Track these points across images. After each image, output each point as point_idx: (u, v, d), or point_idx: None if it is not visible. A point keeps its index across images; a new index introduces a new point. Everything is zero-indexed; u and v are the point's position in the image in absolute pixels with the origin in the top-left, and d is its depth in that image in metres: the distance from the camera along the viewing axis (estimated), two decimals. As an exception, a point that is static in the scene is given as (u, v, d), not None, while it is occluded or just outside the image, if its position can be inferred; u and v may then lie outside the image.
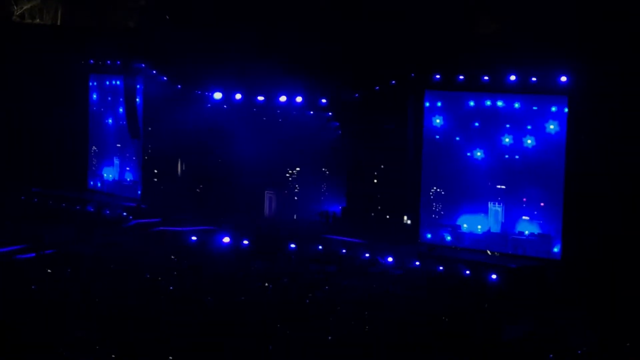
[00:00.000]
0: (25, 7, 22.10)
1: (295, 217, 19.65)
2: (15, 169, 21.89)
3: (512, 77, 16.62)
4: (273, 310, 13.92)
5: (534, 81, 16.45)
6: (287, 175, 20.01)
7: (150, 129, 21.03)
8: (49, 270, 15.82)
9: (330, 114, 19.25)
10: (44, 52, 21.21)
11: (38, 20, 22.47)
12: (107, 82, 22.06)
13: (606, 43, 15.61)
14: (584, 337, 13.15)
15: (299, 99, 19.05)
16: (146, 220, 19.61)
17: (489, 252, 17.19)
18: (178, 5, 20.12)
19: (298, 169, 19.92)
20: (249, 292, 14.98)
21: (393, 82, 17.88)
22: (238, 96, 19.59)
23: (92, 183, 22.63)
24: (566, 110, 16.45)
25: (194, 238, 18.47)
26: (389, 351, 12.52)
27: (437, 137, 17.79)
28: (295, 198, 19.96)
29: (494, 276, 16.01)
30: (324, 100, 18.87)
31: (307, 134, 19.62)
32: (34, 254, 17.15)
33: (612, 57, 15.54)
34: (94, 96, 22.37)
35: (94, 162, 22.57)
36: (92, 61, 21.79)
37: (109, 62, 21.43)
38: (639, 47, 15.36)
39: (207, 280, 15.74)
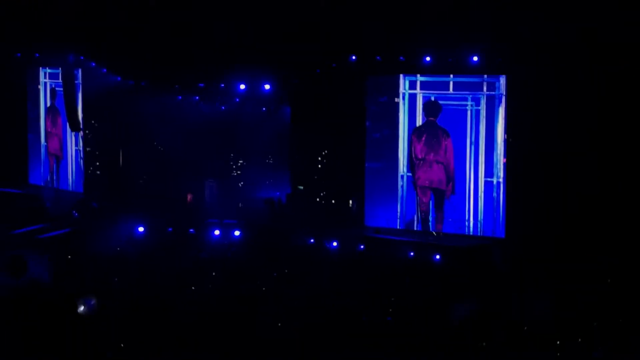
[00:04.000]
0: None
1: (240, 205, 19.52)
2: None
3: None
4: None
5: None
6: (231, 164, 19.90)
7: (92, 121, 20.82)
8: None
9: (273, 100, 19.13)
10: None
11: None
12: (45, 75, 21.85)
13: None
14: (534, 313, 13.31)
15: (242, 87, 18.90)
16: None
17: (434, 233, 17.23)
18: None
19: (241, 158, 19.83)
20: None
21: (334, 65, 17.80)
22: (176, 86, 19.43)
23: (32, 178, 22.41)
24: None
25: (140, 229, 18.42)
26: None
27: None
28: (240, 186, 19.85)
29: (437, 257, 16.10)
30: (267, 87, 18.73)
31: (250, 121, 19.53)
32: None
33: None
34: (34, 89, 22.13)
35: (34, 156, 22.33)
36: (27, 54, 21.54)
37: (47, 54, 21.17)
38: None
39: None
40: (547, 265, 15.21)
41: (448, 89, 17.41)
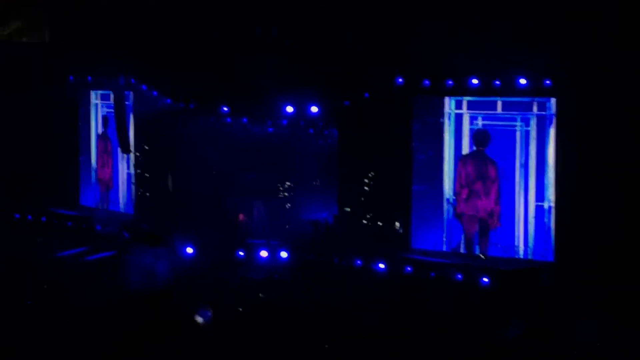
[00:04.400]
0: (12, 28, 22.09)
1: (287, 227, 19.55)
2: (7, 188, 21.78)
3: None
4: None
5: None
6: (279, 185, 19.94)
7: (142, 144, 21.02)
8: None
9: (321, 123, 19.17)
10: (32, 70, 21.24)
11: (25, 39, 22.48)
12: (96, 98, 22.12)
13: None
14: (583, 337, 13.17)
15: (289, 109, 18.97)
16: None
17: (481, 256, 17.11)
18: (164, 20, 20.09)
19: (289, 180, 19.85)
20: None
21: (380, 87, 17.80)
22: (225, 108, 19.55)
23: (84, 199, 22.64)
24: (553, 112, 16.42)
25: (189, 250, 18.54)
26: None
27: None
28: (287, 207, 19.88)
29: (485, 279, 15.98)
30: (314, 109, 18.78)
31: (297, 143, 19.56)
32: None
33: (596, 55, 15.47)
34: (85, 112, 22.41)
35: (85, 178, 22.58)
36: (80, 77, 21.84)
37: (97, 77, 21.45)
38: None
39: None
40: (597, 288, 15.03)
41: (496, 109, 17.18)
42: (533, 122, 16.84)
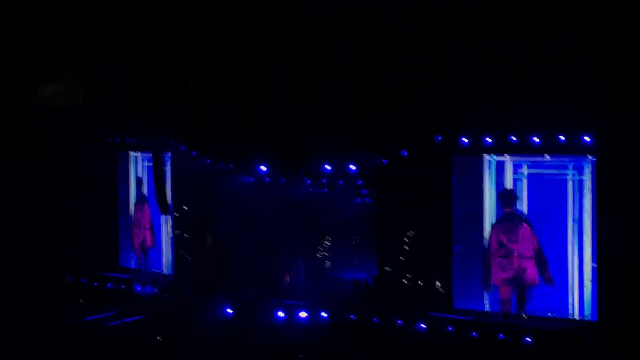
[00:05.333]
0: (47, 92, 22.30)
1: (326, 287, 19.43)
2: (47, 253, 21.85)
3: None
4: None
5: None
6: (317, 245, 19.88)
7: (180, 203, 21.08)
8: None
9: (359, 182, 19.13)
10: (69, 133, 21.44)
11: (61, 102, 22.67)
12: (135, 159, 22.28)
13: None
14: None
15: (327, 167, 18.96)
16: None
17: (524, 315, 16.88)
18: (202, 81, 20.25)
19: (327, 238, 19.79)
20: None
21: (419, 146, 17.76)
22: (263, 168, 19.59)
23: (123, 261, 22.67)
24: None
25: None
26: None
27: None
28: (326, 266, 19.79)
29: (528, 339, 15.75)
30: (352, 168, 18.76)
31: (336, 203, 19.52)
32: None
33: None
34: (123, 174, 22.54)
35: (124, 240, 22.63)
36: (118, 139, 22.04)
37: (136, 140, 21.63)
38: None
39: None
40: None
41: (544, 155, 16.40)
42: (588, 170, 15.87)
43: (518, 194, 16.86)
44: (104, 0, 20.49)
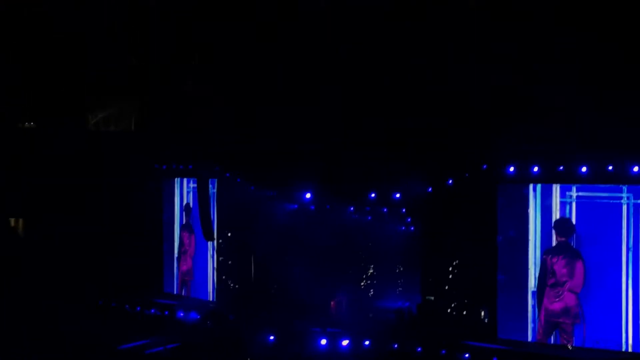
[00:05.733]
0: (100, 116, 22.55)
1: (370, 316, 19.31)
2: (93, 278, 21.95)
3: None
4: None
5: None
6: (361, 274, 19.78)
7: (225, 231, 21.12)
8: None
9: (403, 210, 19.04)
10: (118, 158, 21.62)
11: (113, 127, 22.91)
12: (181, 186, 22.38)
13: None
14: None
15: (372, 195, 18.91)
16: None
17: (569, 346, 16.64)
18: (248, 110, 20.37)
19: (371, 266, 19.69)
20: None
21: (466, 174, 17.66)
22: (308, 195, 19.58)
23: (168, 287, 22.71)
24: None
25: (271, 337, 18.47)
26: None
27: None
28: (370, 295, 19.68)
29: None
30: (397, 195, 18.68)
31: (380, 231, 19.44)
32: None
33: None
34: (169, 200, 22.66)
35: (168, 266, 22.70)
36: (165, 166, 22.17)
37: (182, 166, 21.74)
38: None
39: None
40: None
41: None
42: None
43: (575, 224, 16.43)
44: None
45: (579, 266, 16.52)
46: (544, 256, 16.95)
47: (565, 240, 16.69)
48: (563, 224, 16.71)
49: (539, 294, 16.95)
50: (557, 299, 16.79)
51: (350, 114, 19.03)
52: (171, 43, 20.36)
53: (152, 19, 19.26)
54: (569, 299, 16.63)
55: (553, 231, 16.81)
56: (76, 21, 21.03)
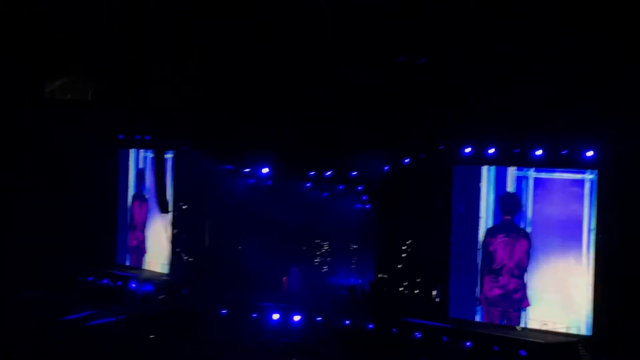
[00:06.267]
0: (56, 84, 22.33)
1: (323, 292, 19.42)
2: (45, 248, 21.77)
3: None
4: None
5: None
6: (315, 250, 19.87)
7: (181, 203, 21.07)
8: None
9: (360, 187, 19.13)
10: (73, 128, 21.45)
11: (69, 96, 22.70)
12: (137, 157, 22.29)
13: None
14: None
15: (328, 173, 18.97)
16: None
17: (518, 328, 16.84)
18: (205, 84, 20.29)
19: (326, 243, 19.78)
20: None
21: (422, 155, 17.76)
22: (265, 170, 19.59)
23: (120, 258, 22.65)
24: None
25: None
26: None
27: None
28: (324, 272, 19.78)
29: (523, 352, 15.74)
30: (354, 173, 18.76)
31: (336, 208, 19.52)
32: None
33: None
34: (123, 170, 22.56)
35: (122, 237, 22.64)
36: (121, 136, 22.07)
37: (138, 136, 21.66)
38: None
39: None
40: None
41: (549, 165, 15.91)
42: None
43: (522, 199, 16.46)
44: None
45: (521, 247, 16.60)
46: (485, 237, 16.97)
47: (510, 219, 16.75)
48: (507, 200, 16.65)
49: (481, 279, 17.06)
50: (495, 285, 16.89)
51: (310, 91, 19.02)
52: (119, 17, 20.22)
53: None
54: (510, 284, 16.74)
55: (498, 209, 16.75)
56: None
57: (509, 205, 16.63)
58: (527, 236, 16.55)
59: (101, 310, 18.90)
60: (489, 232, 16.96)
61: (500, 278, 16.75)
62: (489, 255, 16.92)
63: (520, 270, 16.60)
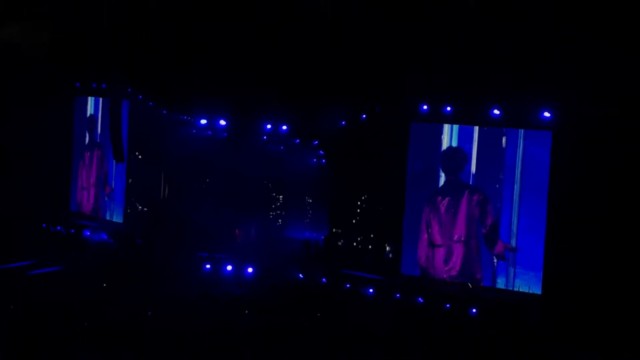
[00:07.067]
0: (11, 30, 21.95)
1: (276, 246, 19.43)
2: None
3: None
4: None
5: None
6: (270, 203, 19.84)
7: (136, 152, 20.92)
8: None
9: (316, 142, 19.07)
10: (28, 74, 21.14)
11: (24, 42, 22.32)
12: (92, 105, 22.03)
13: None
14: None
15: (284, 127, 18.89)
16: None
17: (469, 284, 16.97)
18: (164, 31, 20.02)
19: (281, 197, 19.75)
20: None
21: (377, 109, 17.71)
22: (222, 122, 19.46)
23: (74, 206, 22.47)
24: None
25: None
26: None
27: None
28: (278, 225, 19.76)
29: (474, 310, 15.87)
30: (308, 128, 18.67)
31: (292, 162, 19.47)
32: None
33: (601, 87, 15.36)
34: (79, 119, 22.29)
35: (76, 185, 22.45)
36: (78, 84, 21.78)
37: (94, 85, 21.39)
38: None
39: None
40: (586, 325, 14.93)
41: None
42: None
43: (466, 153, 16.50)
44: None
45: (473, 205, 16.66)
46: (426, 206, 17.03)
47: (454, 178, 16.77)
48: (451, 154, 16.64)
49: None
50: (445, 261, 16.98)
51: (268, 43, 18.84)
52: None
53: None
54: (457, 257, 16.89)
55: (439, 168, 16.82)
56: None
57: (451, 160, 16.63)
58: (481, 193, 16.56)
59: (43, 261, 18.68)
60: (431, 199, 16.95)
61: (449, 257, 16.77)
62: (432, 229, 16.90)
63: (465, 237, 16.63)
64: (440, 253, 16.80)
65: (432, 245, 16.94)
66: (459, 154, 16.59)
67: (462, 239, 16.53)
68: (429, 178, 17.33)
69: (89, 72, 21.09)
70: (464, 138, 16.73)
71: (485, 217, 16.51)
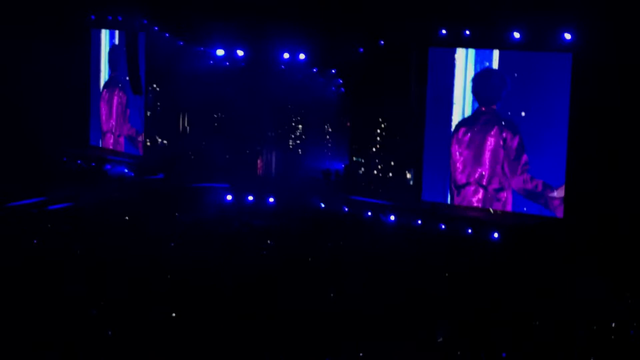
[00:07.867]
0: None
1: (297, 176, 19.40)
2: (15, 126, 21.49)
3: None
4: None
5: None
6: (290, 133, 19.79)
7: (154, 85, 20.87)
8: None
9: (334, 70, 18.94)
10: (42, 6, 20.99)
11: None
12: (109, 37, 21.91)
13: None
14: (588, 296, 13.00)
15: (302, 56, 18.74)
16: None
17: (491, 210, 16.93)
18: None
19: (301, 127, 19.69)
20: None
21: (396, 36, 17.52)
22: (240, 53, 19.33)
23: (93, 140, 22.47)
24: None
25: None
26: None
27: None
28: (298, 155, 19.74)
29: (496, 235, 15.85)
30: (327, 57, 18.52)
31: (310, 91, 19.36)
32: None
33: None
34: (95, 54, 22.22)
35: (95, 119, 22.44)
36: (93, 16, 21.64)
37: (110, 17, 21.26)
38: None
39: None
40: (604, 248, 14.90)
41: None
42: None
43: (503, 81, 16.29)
44: None
45: (504, 143, 16.56)
46: (453, 136, 16.98)
47: (489, 108, 16.70)
48: (486, 79, 16.42)
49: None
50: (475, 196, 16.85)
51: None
52: None
53: None
54: (477, 198, 16.85)
55: (472, 98, 16.76)
56: None
57: (486, 86, 16.46)
58: (514, 128, 16.43)
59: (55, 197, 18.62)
60: (458, 129, 16.91)
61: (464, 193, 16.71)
62: (455, 165, 16.91)
63: (485, 180, 16.60)
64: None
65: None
66: (497, 80, 16.31)
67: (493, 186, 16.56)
68: (447, 105, 17.24)
69: (104, 3, 20.94)
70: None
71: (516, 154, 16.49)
